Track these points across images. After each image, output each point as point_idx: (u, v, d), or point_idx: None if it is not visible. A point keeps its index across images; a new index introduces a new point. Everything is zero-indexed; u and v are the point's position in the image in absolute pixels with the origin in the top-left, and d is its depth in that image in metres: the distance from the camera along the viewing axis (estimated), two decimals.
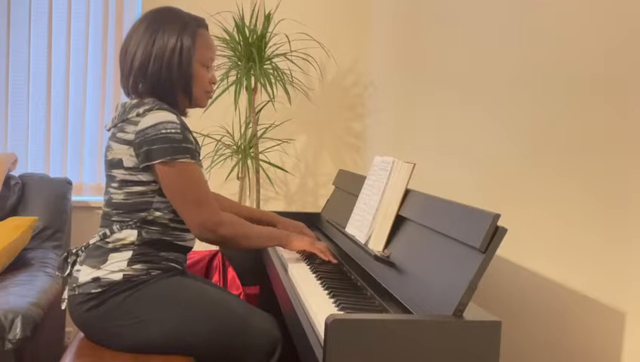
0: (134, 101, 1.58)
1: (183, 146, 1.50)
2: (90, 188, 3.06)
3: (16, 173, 2.74)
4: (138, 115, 1.52)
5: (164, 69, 1.56)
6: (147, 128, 1.48)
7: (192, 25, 1.61)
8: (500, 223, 1.13)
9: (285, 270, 1.70)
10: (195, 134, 2.91)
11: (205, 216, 1.53)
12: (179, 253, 1.63)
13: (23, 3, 2.94)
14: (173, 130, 1.48)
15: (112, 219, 1.57)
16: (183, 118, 1.71)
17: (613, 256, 1.24)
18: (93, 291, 1.50)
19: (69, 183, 2.80)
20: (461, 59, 1.96)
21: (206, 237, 1.55)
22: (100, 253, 1.54)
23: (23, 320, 1.81)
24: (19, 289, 2.04)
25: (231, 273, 2.47)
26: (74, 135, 3.02)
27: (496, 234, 1.11)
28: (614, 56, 1.26)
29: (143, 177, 1.54)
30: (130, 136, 1.51)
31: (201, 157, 2.94)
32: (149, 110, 1.52)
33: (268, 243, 1.67)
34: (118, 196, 1.56)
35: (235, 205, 1.98)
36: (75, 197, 2.94)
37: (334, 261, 1.71)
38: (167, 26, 1.58)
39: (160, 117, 1.49)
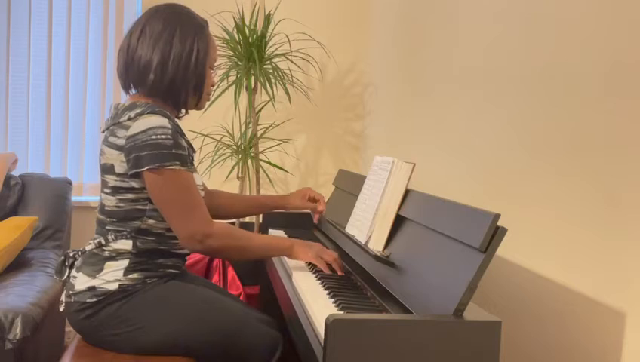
0: (127, 103, 1.55)
1: (173, 153, 1.45)
2: (90, 188, 3.06)
3: (16, 173, 2.74)
4: (130, 118, 1.49)
5: (181, 70, 1.55)
6: (137, 134, 1.45)
7: (205, 27, 1.62)
8: (500, 223, 1.13)
9: (285, 270, 1.70)
10: (195, 134, 2.91)
11: (193, 226, 1.47)
12: (177, 259, 1.61)
13: (23, 3, 2.94)
14: (163, 136, 1.45)
15: (107, 227, 1.54)
16: (178, 119, 1.70)
17: (613, 256, 1.24)
18: (88, 300, 1.48)
19: (69, 183, 2.79)
20: (461, 59, 1.96)
21: (195, 249, 1.50)
22: (96, 261, 1.52)
23: (23, 320, 1.80)
24: (19, 289, 2.04)
25: (231, 273, 2.47)
26: (74, 135, 3.02)
27: (496, 234, 1.11)
28: (615, 56, 1.26)
29: (135, 184, 1.50)
30: (121, 141, 1.48)
31: (201, 158, 2.96)
32: (141, 114, 1.49)
33: (268, 255, 1.61)
34: (111, 203, 1.53)
35: (234, 197, 1.94)
36: (75, 197, 2.93)
37: (340, 272, 1.61)
38: (184, 27, 1.56)
39: (151, 122, 1.46)
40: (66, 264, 1.59)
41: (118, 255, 1.52)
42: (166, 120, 1.48)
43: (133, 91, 1.62)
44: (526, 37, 1.59)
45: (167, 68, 1.54)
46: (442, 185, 2.06)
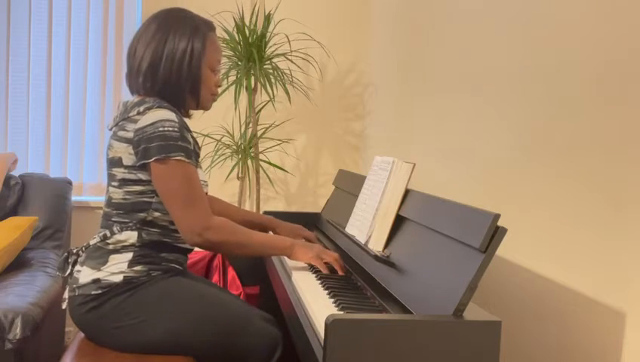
0: (136, 99, 1.58)
1: (179, 145, 1.48)
2: (90, 188, 3.06)
3: (16, 173, 2.74)
4: (139, 113, 1.53)
5: (174, 70, 1.57)
6: (146, 126, 1.49)
7: (203, 28, 1.62)
8: (500, 223, 1.13)
9: (285, 270, 1.70)
10: (195, 134, 2.91)
11: (194, 218, 1.49)
12: (179, 254, 1.62)
13: (23, 3, 2.94)
14: (170, 128, 1.48)
15: (112, 219, 1.56)
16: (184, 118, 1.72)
17: (613, 256, 1.24)
18: (93, 292, 1.50)
19: (69, 183, 2.79)
20: (461, 60, 1.96)
21: (194, 242, 1.50)
22: (100, 254, 1.54)
23: (23, 320, 1.81)
24: (19, 289, 2.04)
25: (231, 273, 2.47)
26: (74, 135, 3.02)
27: (496, 234, 1.11)
28: (614, 57, 1.26)
29: (143, 176, 1.53)
30: (130, 134, 1.52)
31: (201, 158, 2.96)
32: (149, 108, 1.52)
33: (268, 253, 1.61)
34: (118, 195, 1.55)
35: (230, 208, 1.95)
36: (75, 197, 2.93)
37: (341, 273, 1.61)
38: (179, 29, 1.59)
39: (159, 115, 1.49)
40: (69, 261, 1.60)
41: (122, 248, 1.53)
42: (174, 114, 1.52)
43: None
44: (526, 38, 1.59)
45: (159, 69, 1.57)
46: (442, 185, 2.06)
